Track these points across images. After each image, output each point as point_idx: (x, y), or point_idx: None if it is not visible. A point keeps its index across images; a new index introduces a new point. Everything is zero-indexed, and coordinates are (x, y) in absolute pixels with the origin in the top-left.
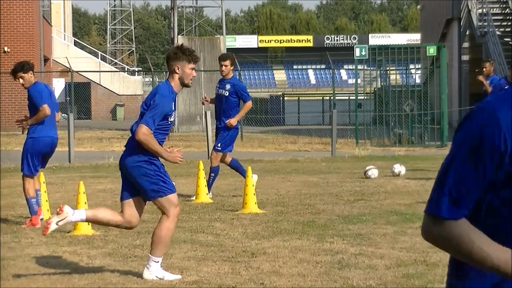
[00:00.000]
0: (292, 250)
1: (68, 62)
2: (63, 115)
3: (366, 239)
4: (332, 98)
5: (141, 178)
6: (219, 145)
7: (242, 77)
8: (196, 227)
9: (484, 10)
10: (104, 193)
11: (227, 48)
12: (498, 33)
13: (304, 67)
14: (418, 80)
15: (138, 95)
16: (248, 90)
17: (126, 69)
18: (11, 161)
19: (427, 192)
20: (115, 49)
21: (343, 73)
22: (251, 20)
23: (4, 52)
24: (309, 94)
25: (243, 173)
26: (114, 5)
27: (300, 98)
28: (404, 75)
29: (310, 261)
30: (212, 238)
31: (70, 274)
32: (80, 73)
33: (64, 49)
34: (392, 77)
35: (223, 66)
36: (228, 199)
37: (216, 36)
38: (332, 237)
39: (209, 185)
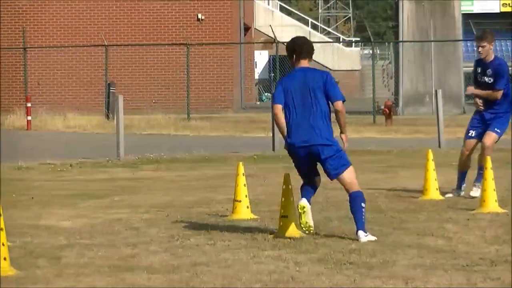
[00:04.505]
0: None
1: (273, 31)
2: (266, 94)
3: None
4: None
5: None
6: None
7: None
8: (424, 229)
9: None
10: None
11: (462, 14)
12: None
13: None
14: None
15: (355, 70)
16: None
17: (341, 40)
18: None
19: None
20: (329, 16)
21: None
22: None
23: (198, 20)
24: None
25: None
26: None
27: None
28: None
29: None
30: (443, 243)
31: (274, 283)
32: None
33: (268, 16)
34: None
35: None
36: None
37: None
38: None
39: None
